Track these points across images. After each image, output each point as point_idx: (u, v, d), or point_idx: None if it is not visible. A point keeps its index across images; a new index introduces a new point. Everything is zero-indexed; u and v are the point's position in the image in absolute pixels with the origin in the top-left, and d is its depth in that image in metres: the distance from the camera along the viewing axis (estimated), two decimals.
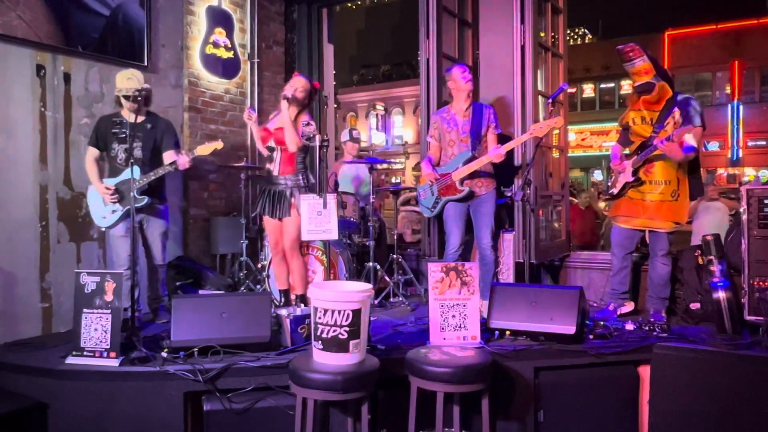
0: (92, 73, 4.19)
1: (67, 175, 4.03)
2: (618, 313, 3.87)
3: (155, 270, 3.89)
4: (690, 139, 3.46)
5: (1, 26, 3.62)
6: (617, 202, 3.85)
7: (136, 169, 3.48)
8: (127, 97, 3.57)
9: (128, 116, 3.59)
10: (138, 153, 3.60)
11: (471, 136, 3.93)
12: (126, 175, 3.57)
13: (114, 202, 3.61)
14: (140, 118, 3.63)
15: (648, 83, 3.61)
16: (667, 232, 3.70)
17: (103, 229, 3.75)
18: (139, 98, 3.53)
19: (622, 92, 24.73)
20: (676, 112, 3.59)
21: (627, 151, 3.86)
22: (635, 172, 3.68)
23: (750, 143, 22.72)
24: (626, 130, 3.88)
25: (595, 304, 4.38)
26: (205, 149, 3.66)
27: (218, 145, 3.67)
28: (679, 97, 3.68)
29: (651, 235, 3.77)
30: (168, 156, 3.69)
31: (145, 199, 3.61)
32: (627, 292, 3.93)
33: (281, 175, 3.72)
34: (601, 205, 8.10)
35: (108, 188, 3.60)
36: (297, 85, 3.70)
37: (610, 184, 3.91)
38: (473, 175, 3.92)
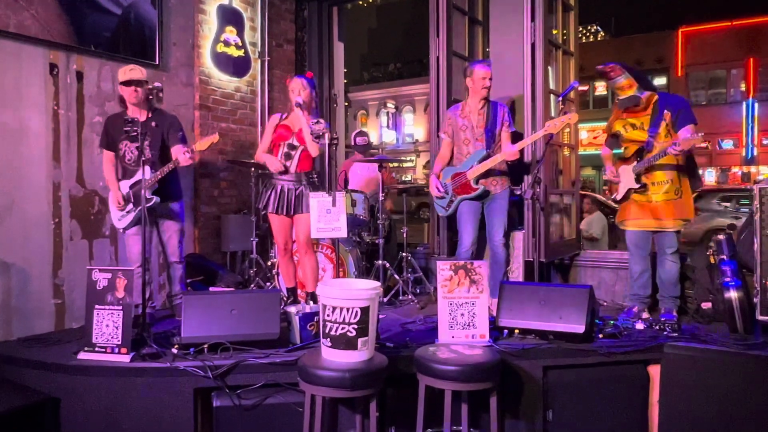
0: (104, 72, 4.22)
1: (80, 172, 4.07)
2: (643, 317, 3.77)
3: (171, 267, 3.95)
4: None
5: (15, 25, 3.66)
6: (622, 207, 3.83)
7: (147, 169, 3.45)
8: (128, 83, 3.58)
9: (136, 114, 3.59)
10: (147, 153, 3.46)
11: (486, 134, 3.92)
12: (138, 175, 3.59)
13: (121, 210, 3.73)
14: (145, 116, 3.62)
15: (633, 97, 3.65)
16: (676, 230, 3.68)
17: (121, 231, 3.86)
18: (151, 96, 3.59)
19: None
20: (667, 114, 3.60)
21: (620, 152, 3.85)
22: (638, 179, 3.67)
23: (765, 141, 22.45)
24: (614, 136, 3.89)
25: (605, 303, 4.36)
26: (202, 144, 3.64)
27: (214, 138, 3.64)
28: (665, 97, 3.70)
29: (659, 234, 3.74)
30: (175, 151, 3.67)
31: (154, 199, 3.64)
32: (650, 296, 3.86)
33: (298, 171, 3.75)
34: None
35: (119, 201, 3.72)
36: (297, 87, 3.73)
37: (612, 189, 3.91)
38: (487, 174, 3.91)
